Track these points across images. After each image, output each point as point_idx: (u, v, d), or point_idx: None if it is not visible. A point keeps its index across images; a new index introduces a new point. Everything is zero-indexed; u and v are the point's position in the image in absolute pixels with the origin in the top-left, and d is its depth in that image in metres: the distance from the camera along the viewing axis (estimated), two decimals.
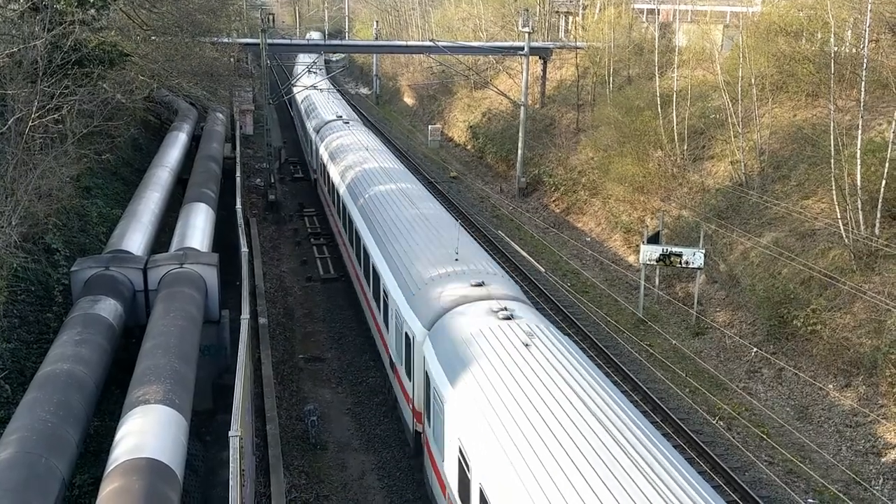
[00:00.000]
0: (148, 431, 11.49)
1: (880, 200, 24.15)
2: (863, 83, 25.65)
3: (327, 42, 60.78)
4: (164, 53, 33.76)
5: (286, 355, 24.79)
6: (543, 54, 51.24)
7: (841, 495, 18.47)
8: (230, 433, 11.64)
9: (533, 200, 43.32)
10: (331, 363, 24.49)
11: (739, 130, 32.21)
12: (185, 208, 23.27)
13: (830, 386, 22.19)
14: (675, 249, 27.07)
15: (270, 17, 41.58)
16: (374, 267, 22.35)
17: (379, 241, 22.69)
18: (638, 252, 28.80)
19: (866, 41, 26.75)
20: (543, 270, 31.70)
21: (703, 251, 26.78)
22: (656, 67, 38.86)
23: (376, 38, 75.00)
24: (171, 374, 13.17)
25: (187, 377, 13.65)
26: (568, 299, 29.68)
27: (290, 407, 21.68)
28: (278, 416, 20.14)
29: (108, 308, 15.99)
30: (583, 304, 29.14)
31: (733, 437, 21.01)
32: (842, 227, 24.90)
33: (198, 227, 21.59)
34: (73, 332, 14.55)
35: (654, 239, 28.37)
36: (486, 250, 22.66)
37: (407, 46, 58.23)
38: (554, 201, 41.89)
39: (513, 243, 35.23)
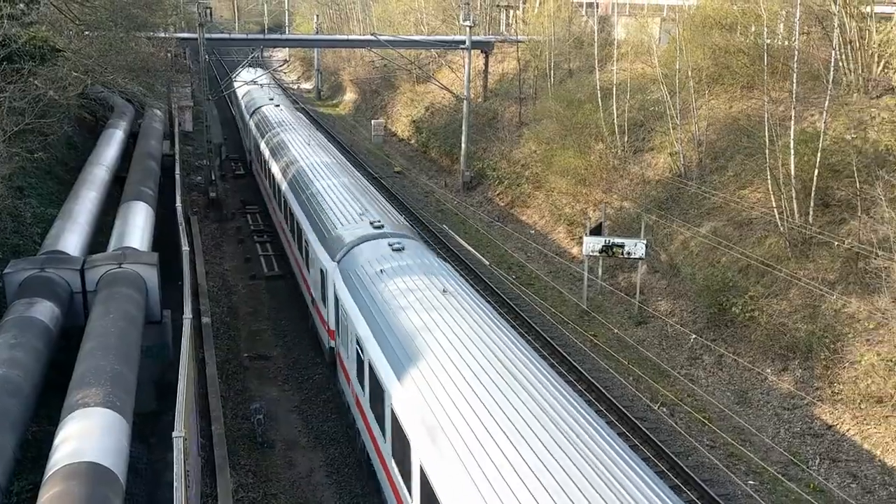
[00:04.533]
0: (88, 435, 11.23)
1: (813, 189, 24.87)
2: (794, 75, 26.36)
3: (267, 36, 59.95)
4: (97, 49, 32.87)
5: (231, 354, 24.47)
6: (485, 48, 51.45)
7: (780, 476, 19.02)
8: (174, 434, 11.45)
9: (477, 194, 43.50)
10: (277, 361, 24.26)
11: (678, 122, 32.81)
12: (124, 207, 22.77)
13: (768, 370, 22.80)
14: (618, 241, 27.48)
15: (208, 11, 40.92)
16: (297, 224, 25.86)
17: (301, 202, 26.16)
18: (581, 244, 29.17)
19: (797, 34, 27.50)
20: (488, 263, 31.89)
21: (645, 242, 27.24)
22: (596, 61, 39.34)
23: (317, 33, 74.32)
24: (112, 376, 12.89)
25: (128, 379, 13.38)
26: (513, 292, 29.91)
27: (236, 406, 21.42)
28: (224, 416, 19.87)
29: (44, 310, 15.57)
30: (528, 296, 29.40)
31: (676, 423, 21.45)
32: (777, 216, 25.59)
33: (137, 225, 21.15)
34: (8, 335, 14.14)
35: (596, 230, 28.76)
36: (396, 211, 25.94)
37: (348, 41, 57.87)
38: (498, 195, 42.12)
39: (457, 237, 35.39)
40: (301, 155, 30.74)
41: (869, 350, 20.84)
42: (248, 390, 22.45)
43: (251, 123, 42.26)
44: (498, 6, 60.44)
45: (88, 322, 15.39)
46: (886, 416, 19.64)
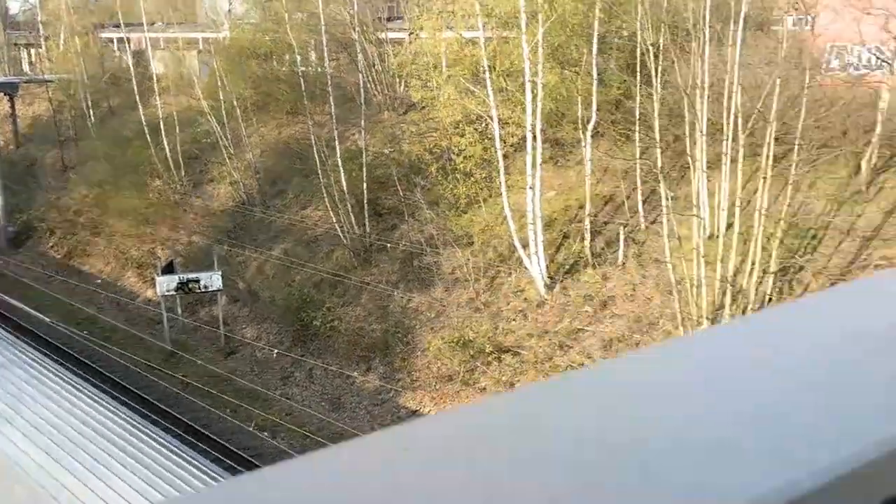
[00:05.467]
0: None
1: (365, 202, 27.26)
2: (331, 98, 28.56)
3: None
4: None
5: None
6: (9, 90, 46.72)
7: None
8: None
9: (28, 250, 39.39)
10: None
11: (232, 152, 33.36)
12: None
13: (356, 373, 24.48)
14: (192, 276, 27.13)
15: None
16: None
17: None
18: (155, 285, 28.21)
19: (327, 60, 29.79)
20: (49, 321, 29.23)
21: (220, 273, 27.27)
22: (136, 96, 38.18)
23: None
24: None
25: None
26: (89, 349, 27.79)
27: None
28: None
29: None
30: (107, 349, 27.57)
31: (280, 443, 21.97)
32: (339, 230, 27.52)
33: None
34: None
35: (168, 269, 28.06)
36: None
37: None
38: (52, 247, 38.66)
39: (10, 300, 31.76)
40: None
41: (434, 336, 23.52)
42: None
43: None
44: (16, 45, 55.19)
45: None
46: (457, 391, 22.39)
